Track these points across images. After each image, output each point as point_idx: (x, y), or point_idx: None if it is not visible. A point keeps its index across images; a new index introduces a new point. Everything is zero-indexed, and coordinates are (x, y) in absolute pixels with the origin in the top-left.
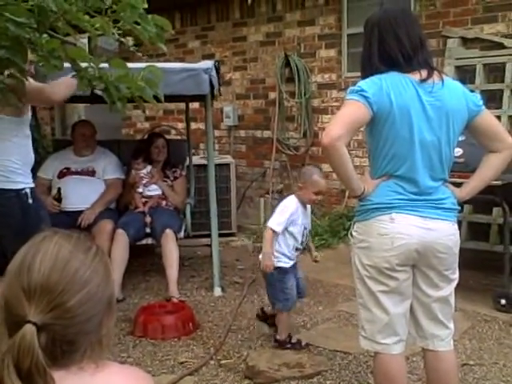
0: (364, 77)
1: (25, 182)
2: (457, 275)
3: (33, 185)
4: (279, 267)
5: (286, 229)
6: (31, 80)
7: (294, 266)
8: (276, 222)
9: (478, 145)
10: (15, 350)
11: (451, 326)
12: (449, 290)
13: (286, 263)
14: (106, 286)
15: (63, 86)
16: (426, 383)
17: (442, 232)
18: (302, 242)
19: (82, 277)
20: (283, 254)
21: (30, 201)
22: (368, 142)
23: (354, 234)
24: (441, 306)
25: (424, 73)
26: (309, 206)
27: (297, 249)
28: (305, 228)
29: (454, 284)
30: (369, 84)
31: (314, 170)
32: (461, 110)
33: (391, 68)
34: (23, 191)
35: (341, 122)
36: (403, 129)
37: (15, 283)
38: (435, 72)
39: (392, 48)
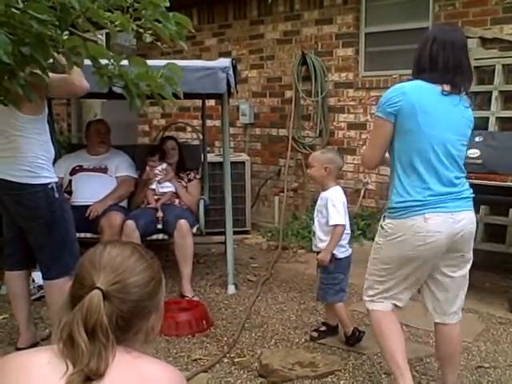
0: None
1: (50, 177)
2: (472, 253)
3: (57, 179)
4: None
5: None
6: (50, 73)
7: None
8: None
9: (495, 146)
10: (84, 309)
11: (464, 297)
12: (468, 268)
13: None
14: (159, 285)
15: (81, 75)
16: (438, 355)
17: (466, 221)
18: (313, 224)
19: (140, 266)
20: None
21: (57, 195)
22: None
23: (386, 228)
24: (460, 283)
25: (451, 88)
26: (324, 192)
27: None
28: (315, 210)
29: (471, 261)
30: (390, 94)
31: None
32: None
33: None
34: (49, 186)
35: (373, 149)
36: (426, 126)
37: (88, 263)
38: (463, 95)
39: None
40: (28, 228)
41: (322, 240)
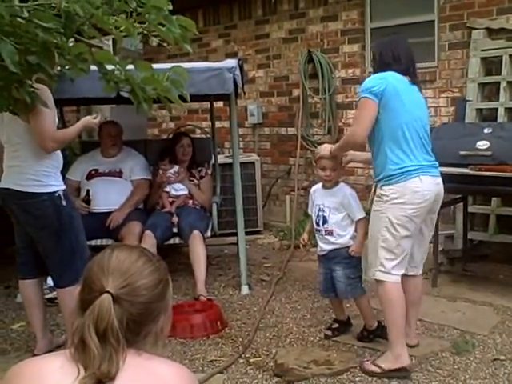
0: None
1: (57, 185)
2: None
3: (64, 187)
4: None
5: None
6: (48, 112)
7: (326, 256)
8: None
9: (505, 137)
10: (95, 313)
11: None
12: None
13: (319, 249)
14: (166, 287)
15: (67, 135)
16: (406, 302)
17: (441, 186)
18: (317, 223)
19: (147, 269)
20: (317, 239)
21: (64, 203)
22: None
23: (388, 194)
24: (428, 239)
25: (412, 79)
26: (340, 190)
27: (316, 230)
28: (319, 209)
29: None
30: (374, 80)
31: (319, 147)
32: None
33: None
34: (56, 194)
35: (363, 125)
36: (408, 104)
37: (96, 268)
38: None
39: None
40: (37, 237)
41: (341, 236)
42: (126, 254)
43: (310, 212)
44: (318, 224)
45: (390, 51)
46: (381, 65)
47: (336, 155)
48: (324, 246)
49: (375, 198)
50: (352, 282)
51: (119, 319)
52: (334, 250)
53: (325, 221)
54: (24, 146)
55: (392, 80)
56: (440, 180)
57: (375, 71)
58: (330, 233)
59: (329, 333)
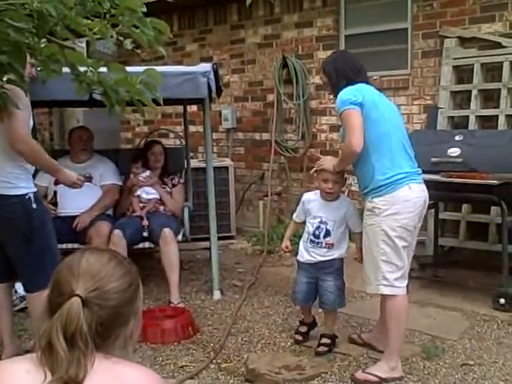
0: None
1: (27, 187)
2: None
3: (35, 189)
4: (296, 259)
5: (306, 219)
6: (20, 114)
7: (315, 265)
8: (296, 212)
9: (475, 145)
10: (64, 316)
11: None
12: None
13: (300, 257)
14: (137, 291)
15: (40, 152)
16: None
17: (426, 192)
18: (316, 236)
19: (118, 272)
20: (301, 247)
21: (34, 205)
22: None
23: (379, 206)
24: (414, 246)
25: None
26: (343, 203)
27: (311, 241)
28: (321, 222)
29: None
30: (350, 92)
31: (322, 159)
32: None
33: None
34: (26, 196)
35: (359, 133)
36: (387, 113)
37: (66, 271)
38: None
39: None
40: (6, 240)
41: (339, 248)
42: (96, 257)
43: (297, 219)
44: (317, 236)
45: (344, 65)
46: (340, 81)
47: (339, 170)
48: (317, 257)
49: (366, 212)
50: (341, 293)
51: (88, 323)
52: (328, 260)
53: (327, 234)
54: None
55: (366, 91)
56: (425, 186)
57: (334, 91)
58: (330, 246)
59: (299, 338)
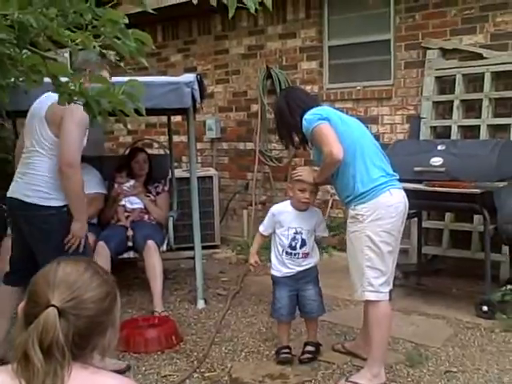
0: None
1: (63, 199)
2: None
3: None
4: (272, 274)
5: (275, 232)
6: (73, 133)
7: (293, 277)
8: (263, 223)
9: (458, 154)
10: (40, 327)
11: None
12: None
13: (277, 271)
14: (114, 300)
15: (79, 179)
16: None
17: (405, 197)
18: (293, 247)
19: (95, 282)
20: (274, 261)
21: (68, 217)
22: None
23: (362, 213)
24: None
25: None
26: (314, 212)
27: (286, 253)
28: (296, 232)
29: None
30: (315, 112)
31: (300, 169)
32: None
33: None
34: (64, 208)
35: (335, 143)
36: (355, 126)
37: (42, 281)
38: None
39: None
40: (38, 249)
41: (313, 256)
42: (72, 267)
43: (265, 233)
44: (293, 248)
45: (295, 98)
46: (296, 111)
47: (319, 181)
48: (295, 268)
49: (349, 220)
50: (321, 299)
51: (65, 333)
52: (306, 270)
53: (303, 244)
54: (38, 153)
55: (328, 109)
56: (404, 192)
57: (288, 124)
58: (306, 255)
59: (287, 356)
